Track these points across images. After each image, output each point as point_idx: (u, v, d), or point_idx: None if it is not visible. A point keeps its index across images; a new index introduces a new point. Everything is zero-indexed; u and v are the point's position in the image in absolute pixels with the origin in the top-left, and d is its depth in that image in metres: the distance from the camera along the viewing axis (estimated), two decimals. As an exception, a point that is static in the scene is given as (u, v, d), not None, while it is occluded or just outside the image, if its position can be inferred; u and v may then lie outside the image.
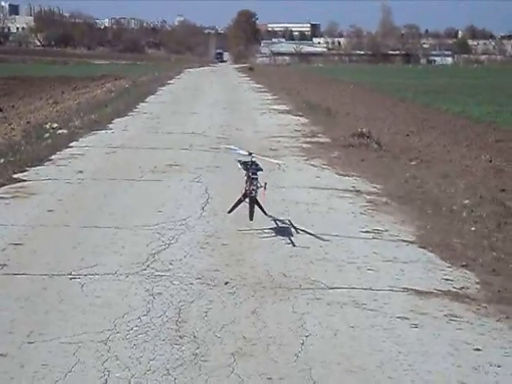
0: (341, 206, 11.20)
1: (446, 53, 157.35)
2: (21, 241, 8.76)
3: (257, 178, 9.19)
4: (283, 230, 9.53)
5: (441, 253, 8.71)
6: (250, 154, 9.60)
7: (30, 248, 8.47)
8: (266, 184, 9.23)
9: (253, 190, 9.19)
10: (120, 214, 10.33)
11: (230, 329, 6.23)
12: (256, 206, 9.37)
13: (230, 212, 9.66)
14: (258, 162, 9.49)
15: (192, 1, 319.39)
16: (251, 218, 9.40)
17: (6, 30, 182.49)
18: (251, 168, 9.33)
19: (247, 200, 9.36)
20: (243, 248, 8.75)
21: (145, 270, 7.73)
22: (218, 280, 7.49)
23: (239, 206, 9.57)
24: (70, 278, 7.42)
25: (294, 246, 8.81)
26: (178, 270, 7.77)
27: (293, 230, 9.58)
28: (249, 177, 9.25)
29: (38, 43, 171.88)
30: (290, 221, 9.98)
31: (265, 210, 9.55)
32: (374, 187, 12.71)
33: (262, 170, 9.43)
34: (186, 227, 9.63)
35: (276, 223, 9.86)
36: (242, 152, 9.86)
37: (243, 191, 9.32)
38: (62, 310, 6.58)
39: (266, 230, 9.53)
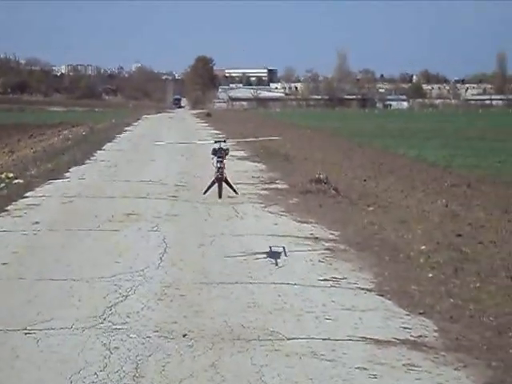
0: (299, 253, 11.19)
1: (402, 97, 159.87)
2: (-25, 295, 8.62)
3: (222, 161, 10.40)
4: (241, 278, 9.51)
5: (399, 300, 8.73)
6: (224, 141, 10.79)
7: (-16, 303, 8.34)
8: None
9: (221, 171, 10.39)
10: (77, 265, 10.23)
11: (188, 383, 6.15)
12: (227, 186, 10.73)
13: (204, 193, 10.95)
14: (224, 148, 10.55)
15: (149, 47, 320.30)
16: (220, 196, 10.86)
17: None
18: (218, 153, 10.44)
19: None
20: (201, 299, 8.69)
21: (101, 323, 7.63)
22: (176, 332, 7.41)
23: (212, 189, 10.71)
24: (25, 333, 7.29)
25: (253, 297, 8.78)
26: (135, 322, 7.68)
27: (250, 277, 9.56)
28: (219, 168, 10.39)
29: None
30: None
31: (235, 189, 11.17)
32: (332, 234, 12.75)
33: (227, 153, 10.64)
34: (144, 278, 9.55)
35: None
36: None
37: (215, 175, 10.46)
38: (16, 367, 6.46)
39: (223, 279, 9.49)
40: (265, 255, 10.96)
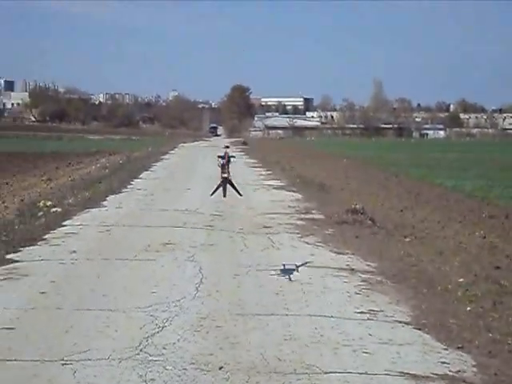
0: (335, 285, 11.15)
1: (438, 126, 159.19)
2: (13, 324, 8.67)
3: (228, 165, 11.78)
4: (277, 309, 9.49)
5: (437, 334, 8.64)
6: (227, 146, 12.42)
7: (22, 332, 8.38)
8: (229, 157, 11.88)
9: (226, 173, 11.76)
10: (113, 295, 10.27)
11: (224, 417, 6.13)
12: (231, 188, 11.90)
13: (211, 195, 12.23)
14: (232, 154, 12.16)
15: (186, 76, 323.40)
16: (224, 195, 12.02)
17: (1, 106, 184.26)
18: (222, 157, 11.85)
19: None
20: (238, 330, 8.67)
21: (138, 354, 7.64)
22: (213, 365, 7.40)
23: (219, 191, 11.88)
24: (62, 364, 7.32)
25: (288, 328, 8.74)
26: (171, 354, 7.68)
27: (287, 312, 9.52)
28: (223, 165, 11.78)
29: (33, 119, 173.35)
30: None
31: (239, 191, 12.21)
32: (369, 265, 12.67)
33: (234, 157, 12.47)
34: (180, 309, 9.56)
35: None
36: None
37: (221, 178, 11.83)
38: (53, 398, 6.48)
39: (259, 310, 9.47)
40: (300, 286, 10.93)
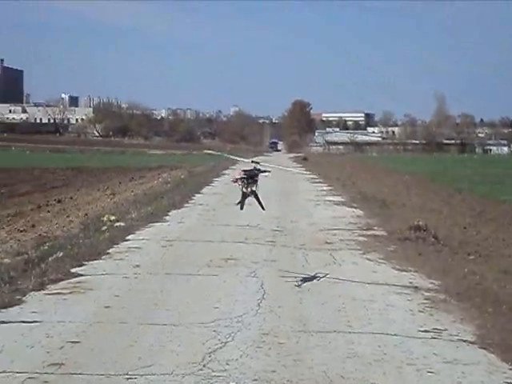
0: (398, 302, 11.06)
1: (502, 142, 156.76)
2: (78, 338, 8.79)
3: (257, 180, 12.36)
4: (340, 326, 9.45)
5: (502, 354, 8.50)
6: (257, 162, 13.06)
7: (88, 346, 8.49)
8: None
9: (252, 186, 12.31)
10: (176, 310, 10.34)
11: (287, 434, 6.12)
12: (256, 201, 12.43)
13: (238, 204, 12.49)
14: (259, 168, 12.65)
15: (247, 91, 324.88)
16: (242, 208, 12.54)
17: (65, 122, 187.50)
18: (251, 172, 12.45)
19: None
20: (300, 347, 8.65)
21: (201, 370, 7.67)
22: (275, 382, 7.39)
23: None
24: (127, 379, 7.39)
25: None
26: (234, 370, 7.69)
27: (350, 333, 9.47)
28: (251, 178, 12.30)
29: (97, 134, 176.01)
30: None
31: (263, 205, 12.64)
32: (432, 283, 12.54)
33: (262, 171, 12.70)
34: (242, 324, 9.58)
35: None
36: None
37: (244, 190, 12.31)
38: (118, 412, 6.54)
39: (322, 327, 9.44)
40: (363, 302, 10.88)
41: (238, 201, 12.51)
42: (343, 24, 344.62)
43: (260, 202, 12.49)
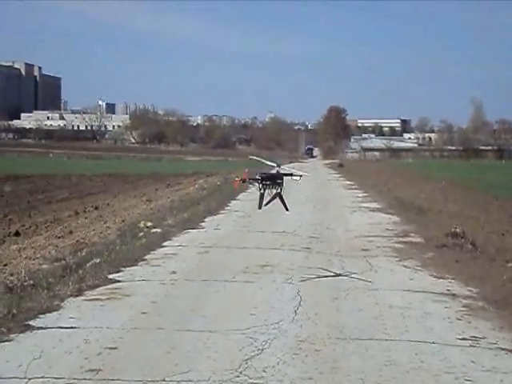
0: (436, 310, 10.97)
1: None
2: (115, 344, 8.84)
3: (281, 183, 13.59)
4: (377, 333, 9.40)
5: (542, 363, 8.40)
6: (278, 165, 15.18)
7: (125, 352, 8.53)
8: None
9: (275, 188, 13.54)
10: (212, 316, 10.35)
11: None
12: (279, 202, 13.62)
13: (265, 206, 13.78)
14: (283, 172, 14.20)
15: (283, 97, 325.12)
16: (260, 207, 14.12)
17: (102, 128, 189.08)
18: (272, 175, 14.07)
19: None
20: (337, 354, 8.61)
21: (238, 376, 7.67)
22: (312, 389, 7.37)
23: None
24: (164, 385, 7.42)
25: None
26: (271, 377, 7.69)
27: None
28: (278, 183, 13.60)
29: (133, 140, 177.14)
30: None
31: (287, 206, 13.95)
32: (470, 290, 12.43)
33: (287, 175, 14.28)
34: (279, 331, 9.57)
35: None
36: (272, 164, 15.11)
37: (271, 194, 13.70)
38: (155, 418, 6.56)
39: (358, 334, 9.40)
40: (400, 310, 10.83)
41: (264, 202, 13.81)
42: (380, 30, 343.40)
43: (284, 203, 13.64)
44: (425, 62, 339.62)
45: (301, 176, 14.83)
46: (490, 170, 72.17)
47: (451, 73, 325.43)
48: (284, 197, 13.73)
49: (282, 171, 14.17)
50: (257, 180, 13.94)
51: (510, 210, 27.24)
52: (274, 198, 13.50)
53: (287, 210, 14.06)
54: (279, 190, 13.40)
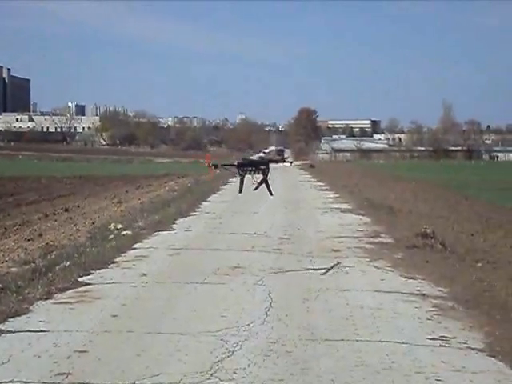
0: (406, 310, 11.01)
1: (509, 148, 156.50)
2: (85, 347, 8.78)
3: (265, 169, 13.89)
4: (347, 334, 9.42)
5: (511, 362, 8.45)
6: (264, 154, 16.51)
7: (95, 355, 8.47)
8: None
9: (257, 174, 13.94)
10: (183, 318, 10.32)
11: None
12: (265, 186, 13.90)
13: (254, 190, 14.13)
14: (273, 159, 15.40)
15: (253, 99, 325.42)
16: (240, 191, 14.40)
17: (72, 130, 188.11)
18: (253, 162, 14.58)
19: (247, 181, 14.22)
20: (308, 356, 8.61)
21: (209, 379, 7.64)
22: (283, 390, 7.36)
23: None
24: (134, 388, 7.38)
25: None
26: (242, 379, 7.67)
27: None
28: (260, 169, 13.91)
29: (104, 142, 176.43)
30: None
31: (272, 191, 14.36)
32: (440, 290, 12.50)
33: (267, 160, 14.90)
34: (250, 333, 9.55)
35: None
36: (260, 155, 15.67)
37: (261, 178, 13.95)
38: (125, 422, 6.51)
39: (329, 335, 9.40)
40: (370, 310, 10.86)
41: (253, 187, 14.19)
42: (349, 31, 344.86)
43: (269, 188, 14.05)
44: (394, 63, 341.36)
45: (291, 162, 15.75)
46: (460, 170, 72.70)
47: (421, 74, 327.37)
48: (270, 182, 14.17)
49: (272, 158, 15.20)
50: (234, 166, 14.56)
51: (479, 209, 27.46)
52: (261, 183, 13.99)
53: (271, 194, 14.68)
54: (265, 176, 13.91)
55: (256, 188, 14.25)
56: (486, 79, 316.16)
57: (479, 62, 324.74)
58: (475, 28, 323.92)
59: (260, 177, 14.13)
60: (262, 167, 14.06)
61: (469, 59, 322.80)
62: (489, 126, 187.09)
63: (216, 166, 15.25)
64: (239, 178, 14.30)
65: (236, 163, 14.50)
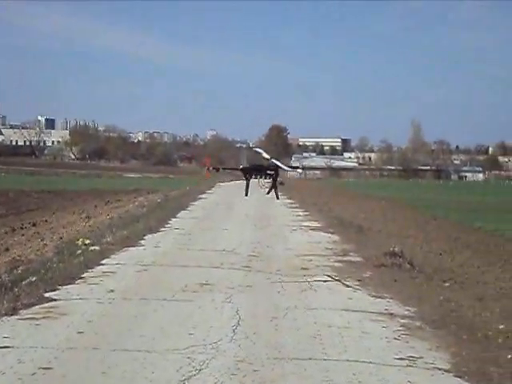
0: (374, 330, 11.02)
1: (477, 169, 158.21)
2: (50, 364, 8.67)
3: (272, 174, 14.39)
4: (315, 353, 9.40)
5: (477, 382, 8.49)
6: (271, 158, 15.63)
7: (60, 373, 8.37)
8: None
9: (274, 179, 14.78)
10: (150, 336, 10.24)
11: None
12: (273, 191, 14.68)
13: (267, 195, 15.00)
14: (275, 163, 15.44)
15: (224, 115, 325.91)
16: (267, 193, 15.53)
17: (41, 144, 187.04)
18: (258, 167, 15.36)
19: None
20: (275, 374, 8.58)
21: (175, 397, 7.59)
22: (250, 410, 7.32)
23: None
24: (99, 406, 7.30)
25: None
26: (208, 398, 7.62)
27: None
28: (268, 174, 14.81)
29: (73, 156, 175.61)
30: None
31: (278, 195, 15.81)
32: (408, 310, 12.52)
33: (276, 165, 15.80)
34: (217, 351, 9.50)
35: None
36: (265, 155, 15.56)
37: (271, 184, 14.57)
38: None
39: (297, 354, 9.38)
40: (338, 329, 10.85)
41: (263, 192, 15.51)
42: (321, 48, 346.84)
43: (277, 193, 15.56)
44: (365, 82, 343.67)
45: (303, 169, 16.36)
46: (429, 190, 73.17)
47: (391, 93, 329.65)
48: (278, 187, 14.91)
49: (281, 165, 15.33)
50: (235, 169, 15.37)
51: (447, 229, 27.64)
52: (271, 188, 15.07)
53: (278, 198, 15.36)
54: (275, 181, 15.19)
55: (268, 192, 14.98)
56: (456, 99, 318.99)
57: (449, 82, 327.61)
58: (444, 48, 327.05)
59: (269, 181, 14.63)
60: (270, 172, 14.58)
61: (439, 79, 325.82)
62: (457, 147, 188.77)
63: (217, 170, 15.52)
64: (245, 182, 14.96)
65: (240, 167, 15.07)
